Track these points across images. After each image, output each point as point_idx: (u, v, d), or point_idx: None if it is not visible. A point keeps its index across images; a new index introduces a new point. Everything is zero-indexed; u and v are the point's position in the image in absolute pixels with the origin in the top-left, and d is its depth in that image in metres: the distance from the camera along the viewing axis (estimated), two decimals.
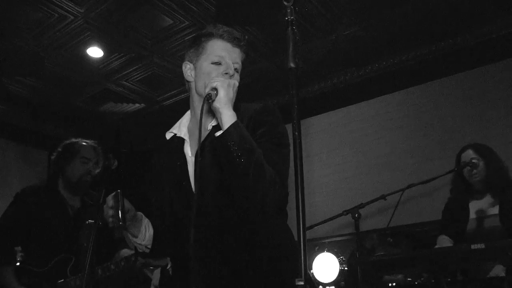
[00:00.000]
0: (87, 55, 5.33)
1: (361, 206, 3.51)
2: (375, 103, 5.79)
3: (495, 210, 3.34)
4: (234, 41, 1.91)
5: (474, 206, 3.46)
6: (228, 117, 1.65)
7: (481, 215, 3.38)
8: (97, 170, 3.30)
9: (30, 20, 4.71)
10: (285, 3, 1.49)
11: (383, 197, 3.54)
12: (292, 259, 1.69)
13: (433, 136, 5.25)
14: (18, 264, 3.07)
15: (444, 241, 3.33)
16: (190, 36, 5.00)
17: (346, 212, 3.51)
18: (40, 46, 5.14)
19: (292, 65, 1.45)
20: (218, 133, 1.65)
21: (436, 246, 3.32)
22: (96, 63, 5.50)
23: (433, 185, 3.93)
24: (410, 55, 5.45)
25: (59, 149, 3.37)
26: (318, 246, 4.94)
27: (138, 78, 5.84)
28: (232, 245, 1.77)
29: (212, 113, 1.76)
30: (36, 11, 4.58)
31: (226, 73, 1.85)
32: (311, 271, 4.44)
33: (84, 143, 3.37)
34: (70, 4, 4.51)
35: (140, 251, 1.95)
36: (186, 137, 1.95)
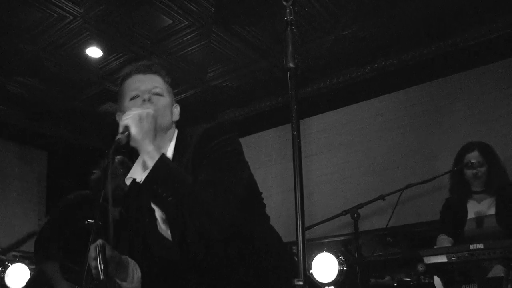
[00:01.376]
0: (86, 55, 5.33)
1: (360, 206, 3.52)
2: (374, 103, 5.79)
3: (493, 211, 3.35)
4: (146, 70, 1.86)
5: (472, 206, 3.47)
6: (148, 156, 1.58)
7: (479, 215, 3.39)
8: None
9: (29, 20, 4.70)
10: (284, 3, 1.49)
11: (382, 197, 3.55)
12: (282, 259, 1.67)
13: (432, 136, 5.25)
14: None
15: (444, 241, 3.34)
16: (189, 36, 5.01)
17: (345, 212, 3.52)
18: (39, 46, 5.13)
19: (291, 65, 1.45)
20: (142, 177, 1.58)
21: (436, 246, 3.33)
22: (95, 63, 5.50)
23: (432, 185, 3.94)
24: (410, 55, 5.44)
25: (99, 166, 3.70)
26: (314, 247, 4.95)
27: None
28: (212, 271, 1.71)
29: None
30: (35, 11, 4.58)
31: (144, 100, 1.76)
32: (310, 271, 4.43)
33: (115, 160, 3.54)
34: (69, 4, 4.50)
35: None
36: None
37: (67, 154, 7.27)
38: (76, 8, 4.56)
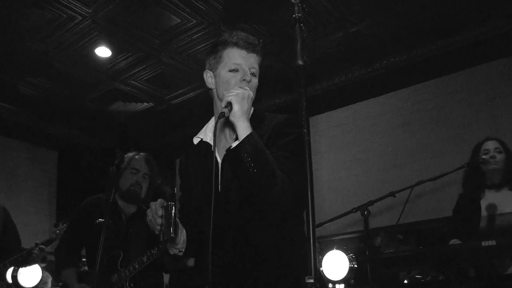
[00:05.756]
0: (95, 55, 5.36)
1: (370, 203, 3.50)
2: (383, 100, 5.76)
3: (509, 205, 3.31)
4: (249, 47, 2.00)
5: (488, 199, 3.42)
6: (242, 129, 1.74)
7: (494, 211, 3.34)
8: (149, 183, 3.58)
9: (39, 21, 4.74)
10: (293, 1, 1.49)
11: (392, 194, 3.53)
12: (302, 260, 1.72)
13: (442, 133, 5.22)
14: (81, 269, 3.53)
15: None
16: (198, 35, 5.01)
17: (355, 209, 3.50)
18: (49, 47, 5.17)
19: (300, 62, 1.45)
20: (233, 145, 1.75)
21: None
22: (104, 62, 5.53)
23: (442, 182, 3.91)
24: (418, 52, 5.42)
25: (114, 163, 3.56)
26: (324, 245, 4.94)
27: (146, 77, 5.86)
28: (248, 243, 1.86)
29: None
30: (45, 12, 4.61)
31: (244, 80, 1.93)
32: (321, 268, 4.42)
33: (136, 156, 3.58)
34: (78, 5, 4.53)
35: (172, 253, 2.01)
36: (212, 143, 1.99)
37: (77, 154, 7.31)
38: (85, 9, 4.59)
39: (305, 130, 1.37)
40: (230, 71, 1.96)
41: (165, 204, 1.84)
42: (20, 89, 6.04)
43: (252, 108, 1.99)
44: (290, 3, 1.50)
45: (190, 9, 4.63)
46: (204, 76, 2.06)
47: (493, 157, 3.39)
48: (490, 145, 3.45)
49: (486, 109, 4.98)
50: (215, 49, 2.03)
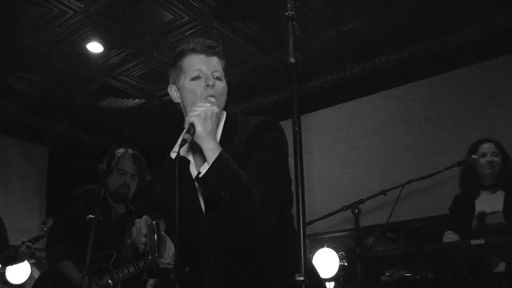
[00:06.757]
0: (87, 50, 5.32)
1: (361, 201, 3.52)
2: (375, 98, 5.78)
3: (501, 206, 3.34)
4: (208, 51, 1.91)
5: (482, 201, 3.44)
6: (209, 151, 1.66)
7: (488, 210, 3.37)
8: (137, 183, 3.57)
9: (30, 15, 4.70)
10: None
11: (383, 192, 3.54)
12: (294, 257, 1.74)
13: (434, 132, 5.24)
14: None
15: (450, 238, 3.33)
16: (190, 32, 5.00)
17: (346, 207, 3.52)
18: (40, 42, 5.13)
19: (292, 60, 1.45)
20: (202, 171, 1.67)
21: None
22: (96, 58, 5.50)
23: (433, 181, 3.93)
24: (411, 50, 5.43)
25: (103, 160, 3.60)
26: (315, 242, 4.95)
27: (138, 74, 5.84)
28: (238, 252, 1.85)
29: None
30: (36, 7, 4.57)
31: (208, 85, 1.85)
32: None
33: (124, 155, 3.55)
34: None
35: (162, 267, 2.00)
36: (190, 158, 1.96)
37: (68, 150, 7.27)
38: (77, 3, 4.55)
39: (296, 128, 1.37)
40: (192, 79, 1.88)
41: (149, 223, 1.83)
42: (11, 84, 5.99)
43: (224, 113, 1.96)
44: (283, 1, 1.50)
45: (183, 5, 4.62)
46: (169, 91, 2.00)
47: (490, 162, 3.41)
48: (487, 148, 3.46)
49: (479, 109, 5.00)
50: (175, 60, 1.96)
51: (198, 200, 1.91)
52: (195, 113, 1.68)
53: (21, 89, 6.13)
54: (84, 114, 6.84)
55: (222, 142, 1.78)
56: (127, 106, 6.65)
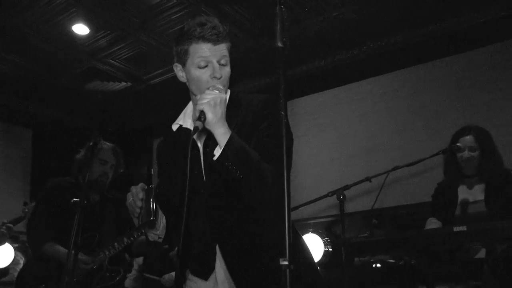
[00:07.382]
0: (72, 32, 5.24)
1: (346, 187, 3.54)
2: (362, 85, 5.79)
3: (483, 196, 3.37)
4: (216, 39, 1.91)
5: (463, 191, 3.48)
6: (221, 136, 1.74)
7: (469, 200, 3.40)
8: (113, 173, 3.74)
9: None
10: None
11: (368, 179, 3.57)
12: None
13: (420, 119, 5.27)
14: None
15: (433, 224, 3.36)
16: (178, 15, 4.95)
17: (331, 193, 3.54)
18: (24, 22, 5.04)
19: (279, 44, 1.44)
20: (215, 154, 1.74)
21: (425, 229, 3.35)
22: (82, 40, 5.42)
23: (418, 168, 3.96)
24: (398, 38, 5.44)
25: (83, 150, 3.76)
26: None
27: (124, 57, 5.77)
28: (237, 224, 1.90)
29: None
30: None
31: (214, 77, 1.90)
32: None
33: (105, 146, 3.69)
34: None
35: (152, 240, 2.00)
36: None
37: (52, 133, 7.20)
38: None
39: (282, 113, 1.37)
40: (199, 68, 1.92)
41: (146, 188, 1.84)
42: None
43: (229, 91, 2.01)
44: None
45: None
46: (175, 69, 2.04)
47: (467, 159, 3.41)
48: (466, 142, 3.45)
49: (465, 97, 5.04)
50: (181, 40, 1.96)
51: (202, 170, 1.95)
52: (205, 101, 1.75)
53: (4, 71, 6.03)
54: (69, 97, 6.76)
55: (227, 119, 1.81)
56: (113, 89, 6.59)
